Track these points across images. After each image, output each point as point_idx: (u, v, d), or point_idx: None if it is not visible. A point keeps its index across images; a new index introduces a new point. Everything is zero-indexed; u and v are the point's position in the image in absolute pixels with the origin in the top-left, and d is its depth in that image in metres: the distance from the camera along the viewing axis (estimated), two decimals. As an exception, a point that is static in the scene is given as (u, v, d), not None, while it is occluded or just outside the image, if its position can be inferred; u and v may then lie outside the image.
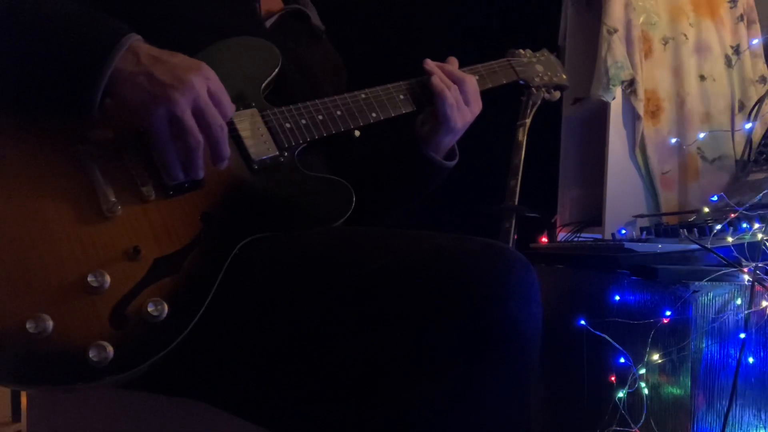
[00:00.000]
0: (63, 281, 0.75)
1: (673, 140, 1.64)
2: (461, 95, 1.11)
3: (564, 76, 1.38)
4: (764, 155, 1.44)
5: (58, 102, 0.82)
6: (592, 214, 1.80)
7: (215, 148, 0.85)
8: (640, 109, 1.61)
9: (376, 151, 1.21)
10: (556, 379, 1.41)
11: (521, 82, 1.30)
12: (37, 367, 0.72)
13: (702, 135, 1.61)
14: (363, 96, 1.06)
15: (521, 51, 1.33)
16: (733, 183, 1.54)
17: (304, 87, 1.08)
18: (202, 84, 0.82)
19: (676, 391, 1.01)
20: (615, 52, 1.61)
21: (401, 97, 1.11)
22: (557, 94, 1.39)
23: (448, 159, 1.17)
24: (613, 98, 1.63)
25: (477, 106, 1.15)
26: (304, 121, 0.99)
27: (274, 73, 1.00)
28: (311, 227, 0.91)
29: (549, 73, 1.35)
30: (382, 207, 1.23)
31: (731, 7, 1.70)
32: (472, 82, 1.14)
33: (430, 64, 1.13)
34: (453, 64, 1.17)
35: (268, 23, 1.13)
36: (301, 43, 1.16)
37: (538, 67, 1.33)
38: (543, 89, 1.34)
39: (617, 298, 1.17)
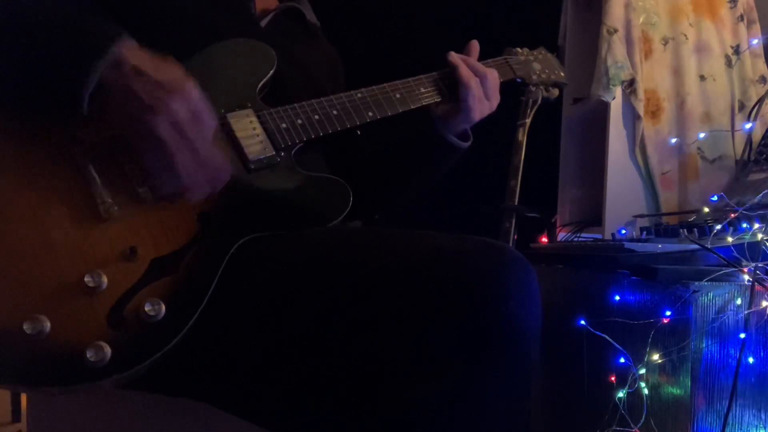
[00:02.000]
0: (60, 282, 0.75)
1: (673, 140, 1.64)
2: (483, 89, 1.14)
3: (562, 74, 1.38)
4: (764, 155, 1.44)
5: (47, 103, 0.82)
6: (592, 214, 1.80)
7: (203, 166, 0.83)
8: (640, 109, 1.61)
9: (390, 135, 1.22)
10: (556, 379, 1.41)
11: (518, 80, 1.29)
12: (34, 368, 0.71)
13: (702, 135, 1.60)
14: (359, 95, 1.06)
15: (518, 49, 1.33)
16: (733, 183, 1.53)
17: (301, 85, 1.08)
18: (180, 106, 0.80)
19: (676, 391, 1.01)
20: (615, 52, 1.61)
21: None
22: (555, 92, 1.38)
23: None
24: (613, 98, 1.63)
25: (496, 101, 1.18)
26: (300, 121, 0.99)
27: (269, 75, 1.00)
28: (309, 226, 0.91)
29: (547, 71, 1.34)
30: (394, 192, 1.25)
31: (731, 7, 1.70)
32: (494, 76, 1.17)
33: (454, 57, 1.15)
34: (474, 50, 1.19)
35: (263, 22, 1.13)
36: (296, 41, 1.17)
37: (535, 65, 1.33)
38: (541, 87, 1.34)
39: (617, 298, 1.17)
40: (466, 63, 1.15)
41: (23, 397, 1.87)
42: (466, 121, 1.15)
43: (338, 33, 1.35)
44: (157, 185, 0.84)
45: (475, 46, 1.20)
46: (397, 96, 1.09)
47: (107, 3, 0.91)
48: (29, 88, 0.82)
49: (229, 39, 1.00)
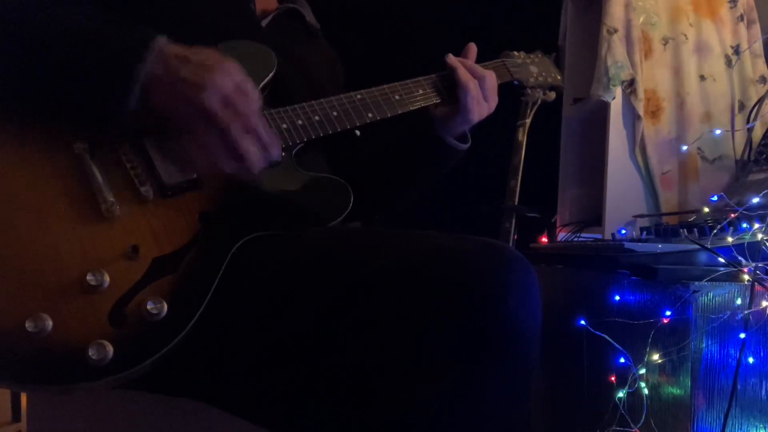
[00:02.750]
0: (62, 280, 0.75)
1: (673, 140, 1.64)
2: (481, 91, 1.14)
3: (558, 77, 1.39)
4: (764, 155, 1.44)
5: (90, 110, 0.85)
6: (592, 214, 1.80)
7: (253, 133, 0.86)
8: (640, 109, 1.61)
9: (390, 137, 1.23)
10: (556, 379, 1.41)
11: (515, 82, 1.30)
12: (36, 366, 0.72)
13: (702, 135, 1.60)
14: (359, 97, 1.06)
15: (515, 53, 1.34)
16: (733, 183, 1.53)
17: (302, 86, 1.09)
18: (225, 79, 0.84)
19: (676, 391, 1.01)
20: (615, 52, 1.61)
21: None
22: (552, 95, 1.40)
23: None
24: (613, 98, 1.63)
25: (494, 102, 1.18)
26: (300, 122, 0.99)
27: (269, 76, 1.00)
28: (309, 226, 0.91)
29: (544, 74, 1.36)
30: (394, 194, 1.25)
31: (731, 7, 1.70)
32: (492, 78, 1.17)
33: (452, 59, 1.16)
34: (472, 52, 1.19)
35: (264, 23, 1.13)
36: (296, 42, 1.17)
37: (532, 68, 1.34)
38: (538, 90, 1.35)
39: (617, 298, 1.17)
40: (465, 65, 1.15)
41: (23, 397, 1.87)
42: (465, 122, 1.16)
43: (338, 34, 1.35)
44: (217, 163, 0.85)
45: (472, 48, 1.21)
46: (396, 98, 1.09)
47: (111, 4, 0.92)
48: (68, 100, 0.84)
49: (230, 40, 1.00)
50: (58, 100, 0.85)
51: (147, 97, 0.83)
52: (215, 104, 0.83)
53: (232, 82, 0.85)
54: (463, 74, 1.13)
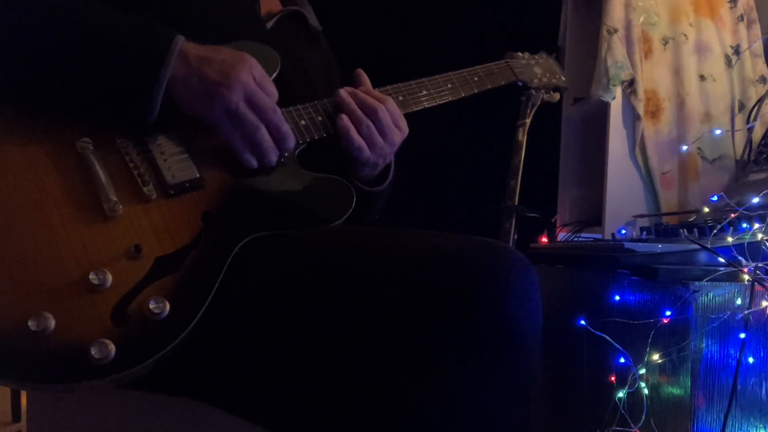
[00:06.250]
0: (65, 279, 0.75)
1: (673, 140, 1.64)
2: (375, 128, 1.00)
3: (563, 78, 1.39)
4: (764, 155, 1.45)
5: (119, 111, 0.87)
6: (592, 214, 1.80)
7: (275, 129, 0.91)
8: (640, 109, 1.62)
9: None
10: (556, 379, 1.41)
11: (520, 83, 1.30)
12: (38, 365, 0.71)
13: (702, 135, 1.61)
14: None
15: (519, 54, 1.34)
16: (733, 183, 1.54)
17: (301, 89, 1.08)
18: (248, 75, 0.88)
19: (676, 391, 1.01)
20: (615, 52, 1.61)
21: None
22: (556, 96, 1.40)
23: (378, 181, 1.09)
24: (613, 98, 1.63)
25: (396, 135, 1.03)
26: (303, 122, 0.99)
27: (273, 76, 1.00)
28: (311, 226, 0.91)
29: (548, 75, 1.36)
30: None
31: (731, 7, 1.70)
32: (387, 108, 1.02)
33: (342, 96, 1.01)
34: (362, 79, 1.07)
35: (268, 25, 1.14)
36: (298, 44, 1.17)
37: (536, 69, 1.35)
38: (542, 91, 1.35)
39: (617, 298, 1.17)
40: (355, 99, 1.01)
41: (23, 397, 1.88)
42: (363, 166, 1.03)
43: (339, 34, 1.35)
44: (240, 158, 0.90)
45: (361, 75, 1.07)
46: (400, 98, 1.09)
47: (118, 5, 0.92)
48: (101, 99, 0.86)
49: (235, 41, 1.00)
50: (76, 98, 0.86)
51: (169, 97, 0.85)
52: (241, 103, 0.87)
53: (253, 78, 0.88)
54: (344, 125, 0.99)
